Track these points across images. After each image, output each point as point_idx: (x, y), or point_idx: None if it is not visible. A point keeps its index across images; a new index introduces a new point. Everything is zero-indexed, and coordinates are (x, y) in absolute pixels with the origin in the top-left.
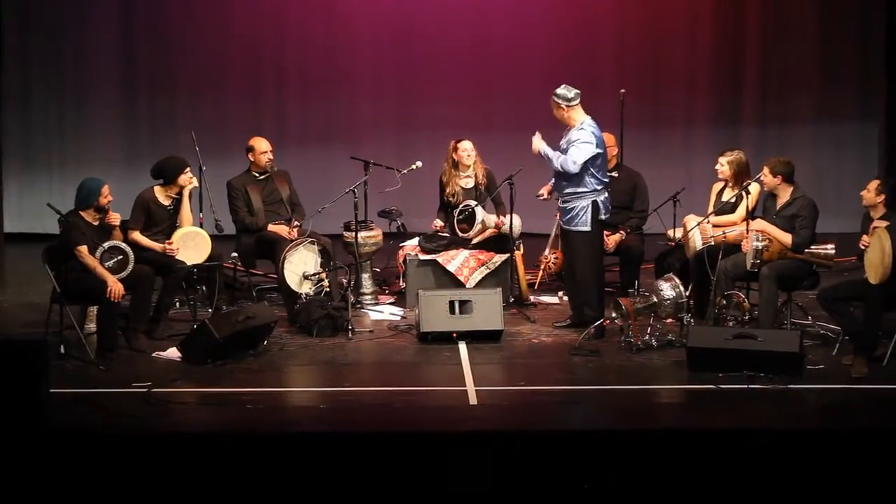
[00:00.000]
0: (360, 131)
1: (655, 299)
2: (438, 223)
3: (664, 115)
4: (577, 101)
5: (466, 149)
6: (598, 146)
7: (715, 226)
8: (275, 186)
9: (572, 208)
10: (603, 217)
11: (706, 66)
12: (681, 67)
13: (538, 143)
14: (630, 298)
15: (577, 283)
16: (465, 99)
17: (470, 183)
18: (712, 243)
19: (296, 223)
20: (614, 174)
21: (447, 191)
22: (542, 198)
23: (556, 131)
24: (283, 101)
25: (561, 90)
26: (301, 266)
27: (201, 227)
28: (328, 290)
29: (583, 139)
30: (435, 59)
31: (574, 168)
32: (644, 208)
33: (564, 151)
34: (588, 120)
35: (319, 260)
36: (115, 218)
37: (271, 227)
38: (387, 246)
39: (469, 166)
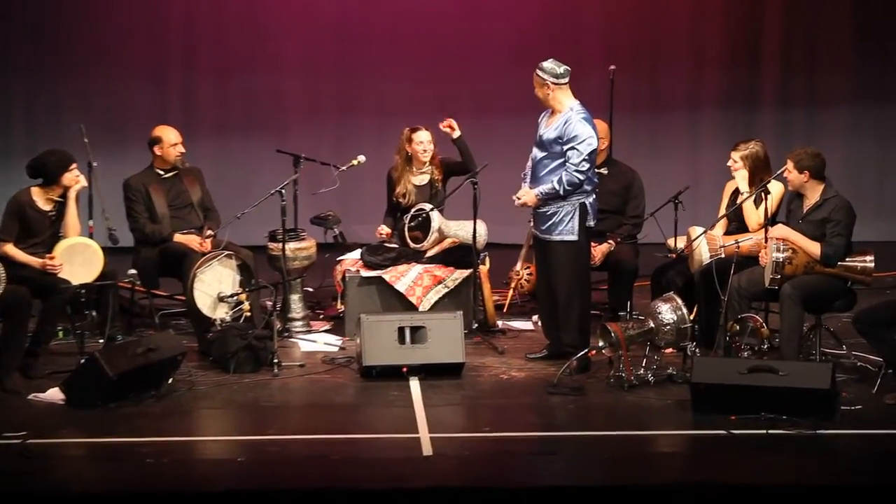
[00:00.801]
0: (288, 119)
1: (652, 324)
2: (385, 230)
3: (663, 97)
4: (567, 79)
5: (423, 141)
6: (597, 139)
7: (726, 233)
8: (183, 187)
9: (553, 213)
10: (591, 224)
11: (715, 36)
12: (683, 37)
13: (528, 196)
14: (621, 323)
15: (555, 304)
16: (418, 79)
17: (424, 180)
18: (722, 255)
19: (209, 232)
20: (603, 171)
21: (397, 190)
22: (522, 204)
23: (529, 113)
24: (193, 83)
25: (548, 64)
26: (215, 286)
27: (91, 237)
28: (249, 315)
29: (581, 136)
30: (382, 29)
31: (582, 178)
32: (639, 213)
33: (548, 145)
34: (577, 105)
35: (238, 278)
36: None
37: (178, 238)
38: (321, 260)
39: (425, 162)
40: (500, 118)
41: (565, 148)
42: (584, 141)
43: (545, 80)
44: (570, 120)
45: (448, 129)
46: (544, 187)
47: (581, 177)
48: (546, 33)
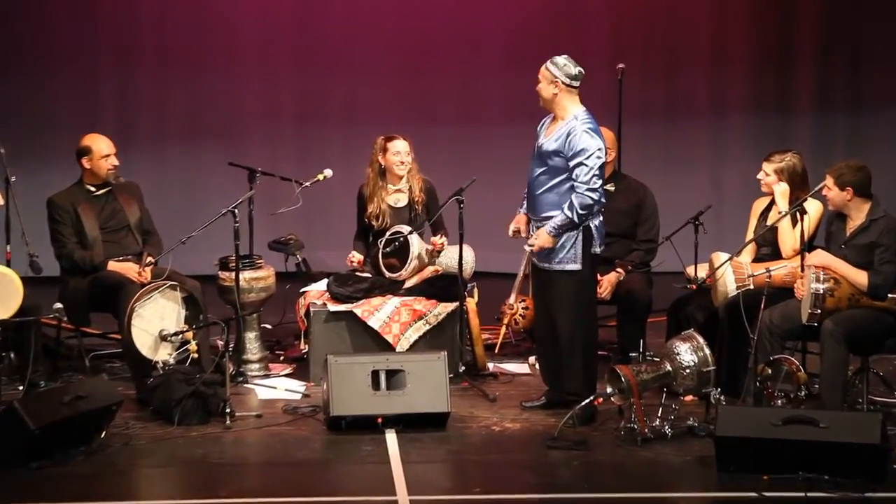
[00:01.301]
0: (242, 127)
1: (669, 367)
2: (357, 257)
3: (681, 100)
4: (579, 83)
5: (400, 151)
6: (604, 150)
7: (755, 260)
8: (118, 206)
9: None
10: (597, 250)
11: (741, 29)
12: (703, 31)
13: (543, 239)
14: (633, 366)
15: (556, 344)
16: (394, 80)
17: (402, 200)
18: (751, 286)
19: (149, 259)
20: (610, 187)
21: (369, 210)
22: (519, 235)
23: (524, 121)
24: (128, 84)
25: (563, 60)
26: (156, 322)
27: (8, 265)
28: (196, 356)
29: (588, 149)
30: (350, 22)
31: (596, 197)
32: (652, 236)
33: (546, 157)
34: (582, 113)
35: (183, 313)
36: None
37: (112, 266)
38: (282, 292)
39: (402, 177)
40: (490, 126)
41: (571, 164)
42: (591, 154)
43: (556, 77)
44: (573, 130)
45: (433, 250)
46: (556, 220)
47: (595, 196)
48: (543, 26)
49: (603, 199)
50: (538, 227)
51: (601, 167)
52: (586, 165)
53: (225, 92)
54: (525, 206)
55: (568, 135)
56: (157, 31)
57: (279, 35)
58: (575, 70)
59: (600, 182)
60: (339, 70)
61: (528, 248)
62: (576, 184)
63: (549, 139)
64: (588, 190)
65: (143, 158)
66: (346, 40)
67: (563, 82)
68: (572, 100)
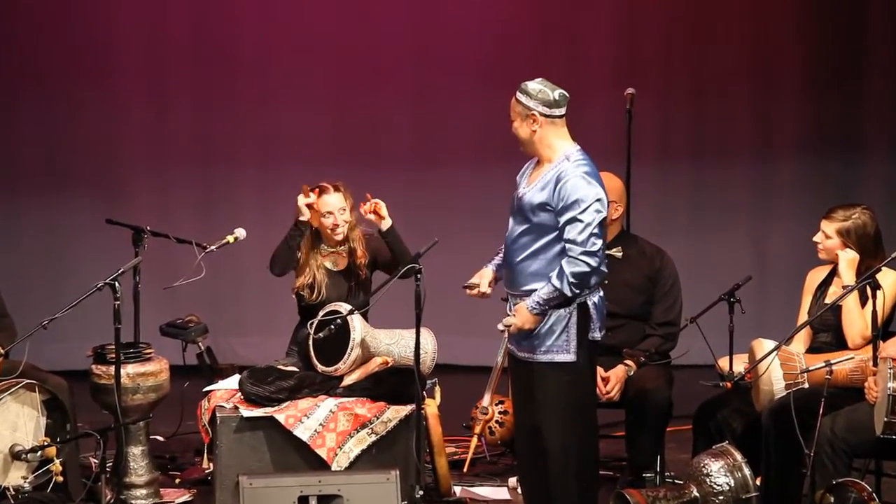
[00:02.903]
0: (125, 170)
1: (696, 493)
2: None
3: (710, 137)
4: (563, 110)
5: (332, 211)
6: (605, 202)
7: (810, 351)
8: None
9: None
10: (597, 336)
11: (792, 43)
12: (740, 46)
13: (522, 316)
14: (647, 491)
15: (543, 461)
16: (326, 108)
17: (341, 264)
18: (805, 385)
19: None
20: (616, 252)
21: (300, 280)
22: (474, 292)
23: (501, 161)
24: None
25: (535, 85)
26: (7, 434)
27: None
28: (61, 480)
29: (584, 199)
30: (269, 31)
31: (595, 263)
32: (672, 318)
33: (529, 212)
34: (576, 151)
35: (44, 421)
36: None
37: None
38: (178, 392)
39: (338, 241)
40: (456, 169)
41: (561, 220)
42: (588, 207)
43: (531, 109)
44: (563, 175)
45: (373, 217)
46: (541, 292)
47: (592, 262)
48: (526, 40)
49: (604, 268)
50: (510, 298)
51: (601, 224)
52: (581, 221)
53: (100, 124)
54: (496, 263)
55: (557, 181)
56: (22, 47)
57: (170, 46)
58: (554, 94)
59: (600, 243)
60: (250, 95)
61: (501, 329)
62: (568, 245)
63: (532, 188)
64: (584, 254)
65: None
66: (261, 57)
67: (541, 114)
68: (559, 134)
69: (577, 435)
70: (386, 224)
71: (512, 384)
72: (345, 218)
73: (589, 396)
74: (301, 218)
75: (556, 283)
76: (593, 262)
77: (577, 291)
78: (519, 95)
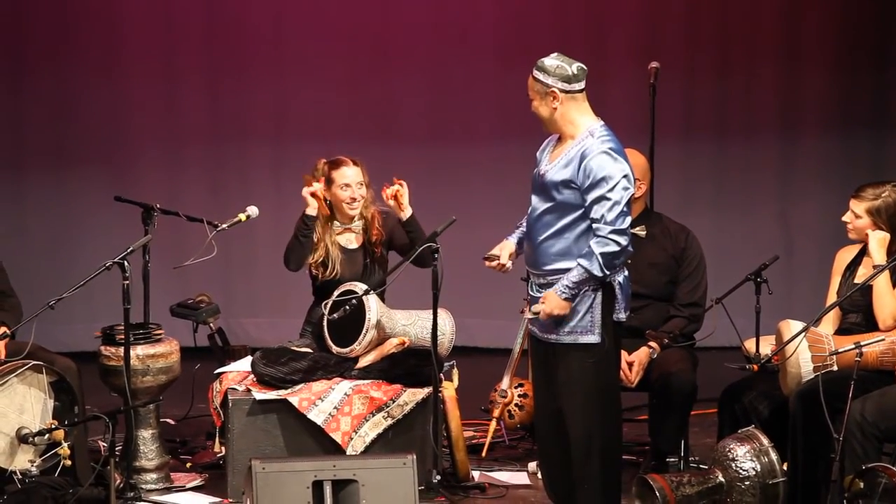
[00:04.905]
0: (134, 147)
1: (722, 478)
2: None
3: (736, 113)
4: (583, 84)
5: (350, 183)
6: (632, 178)
7: (839, 332)
8: None
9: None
10: (622, 317)
11: (821, 17)
12: (768, 20)
13: (552, 302)
14: (671, 476)
15: (565, 445)
16: (341, 84)
17: (356, 242)
18: (834, 368)
19: (2, 331)
20: (640, 231)
21: (314, 258)
22: (494, 264)
23: (519, 138)
24: None
25: (552, 61)
26: (13, 417)
27: None
28: (69, 463)
29: (612, 176)
30: (283, 9)
31: (624, 242)
32: (697, 298)
33: (552, 189)
34: (600, 127)
35: (51, 404)
36: None
37: None
38: (188, 374)
39: (354, 217)
40: (475, 146)
41: (588, 198)
42: (616, 184)
43: (549, 86)
44: (588, 152)
45: (394, 203)
46: (571, 276)
47: (623, 241)
48: (546, 14)
49: (631, 247)
50: (541, 288)
51: (629, 201)
52: (608, 199)
53: (109, 100)
54: (517, 236)
55: (581, 158)
56: (22, 24)
57: (181, 22)
58: (572, 69)
59: (627, 220)
60: (263, 70)
61: (530, 317)
62: (596, 225)
63: (554, 165)
64: (613, 233)
65: None
66: (274, 32)
67: (560, 90)
68: (580, 109)
69: (600, 418)
70: (406, 214)
71: (533, 365)
72: (362, 193)
73: (613, 379)
74: (308, 211)
75: (586, 264)
76: (623, 240)
77: (608, 272)
78: (536, 73)
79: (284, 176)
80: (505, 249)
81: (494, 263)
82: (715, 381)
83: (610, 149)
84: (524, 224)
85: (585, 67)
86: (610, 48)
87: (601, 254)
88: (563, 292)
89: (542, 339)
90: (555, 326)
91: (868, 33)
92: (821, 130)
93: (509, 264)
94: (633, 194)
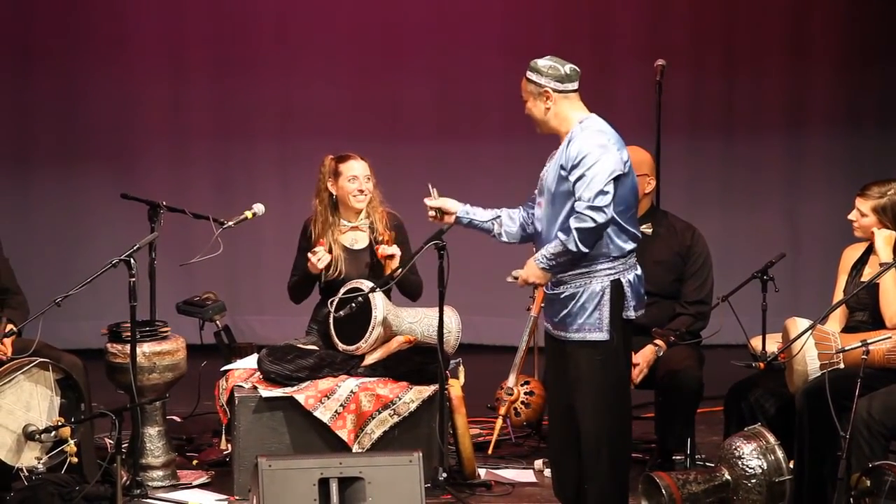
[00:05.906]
0: (140, 144)
1: (728, 476)
2: (321, 255)
3: (743, 110)
4: (574, 85)
5: (357, 175)
6: (621, 161)
7: (846, 330)
8: None
9: (569, 297)
10: (632, 314)
11: (827, 14)
12: (775, 18)
13: (529, 270)
14: (677, 474)
15: (574, 443)
16: (348, 81)
17: (361, 240)
18: (841, 365)
19: (9, 328)
20: (646, 229)
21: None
22: (435, 215)
23: (527, 134)
24: None
25: (545, 62)
26: (20, 414)
27: None
28: (76, 460)
29: (589, 153)
30: (288, 4)
31: (601, 220)
32: (703, 296)
33: (552, 186)
34: (591, 117)
35: (58, 401)
36: None
37: None
38: (195, 371)
39: (360, 210)
40: (481, 143)
41: (572, 178)
42: (595, 163)
43: (542, 86)
44: (573, 137)
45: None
46: (549, 247)
47: (598, 217)
48: (552, 11)
49: (605, 222)
50: (554, 286)
51: (610, 178)
52: (586, 177)
53: (115, 97)
54: (480, 209)
55: (568, 144)
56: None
57: (187, 18)
58: (565, 68)
59: (607, 198)
60: (269, 67)
61: (510, 280)
62: (576, 203)
63: (552, 164)
64: (588, 209)
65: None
66: (281, 29)
67: (553, 90)
68: (574, 107)
69: (610, 415)
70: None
71: (546, 362)
72: (369, 186)
73: (622, 376)
74: (313, 272)
75: (563, 237)
76: (600, 217)
77: (583, 248)
78: (529, 74)
79: (291, 173)
80: (449, 202)
81: (429, 200)
82: (721, 378)
83: (595, 131)
84: (505, 211)
85: (578, 69)
86: (616, 45)
87: (577, 229)
88: (541, 262)
89: (554, 336)
90: (563, 323)
91: (875, 31)
92: (827, 128)
93: (443, 205)
94: (620, 172)
